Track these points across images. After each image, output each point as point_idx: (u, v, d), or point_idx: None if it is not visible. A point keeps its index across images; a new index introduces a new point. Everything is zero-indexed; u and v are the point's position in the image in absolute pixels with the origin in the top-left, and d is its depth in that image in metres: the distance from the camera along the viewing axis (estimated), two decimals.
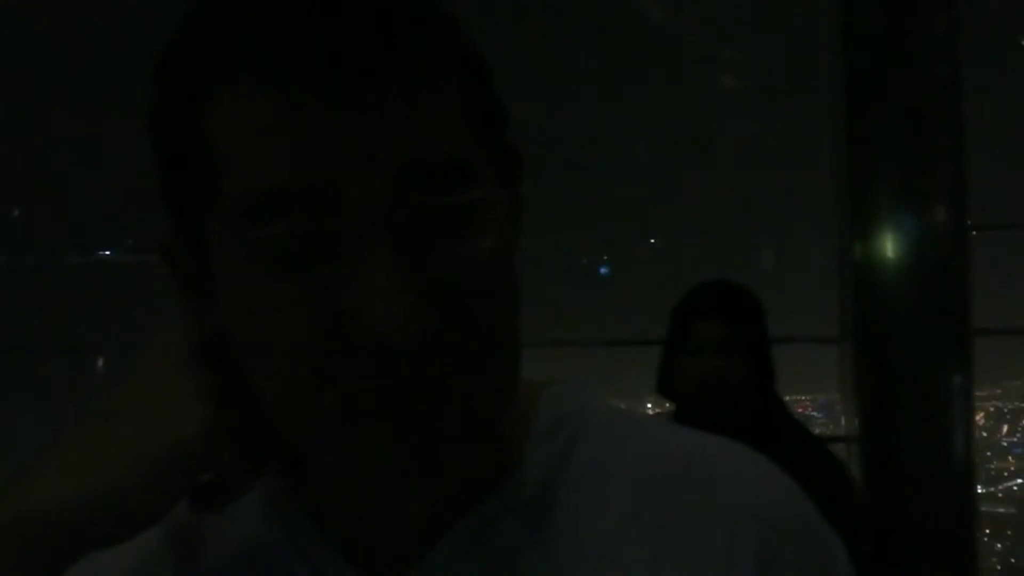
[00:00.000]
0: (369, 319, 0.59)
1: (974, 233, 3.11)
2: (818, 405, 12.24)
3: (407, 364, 0.60)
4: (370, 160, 0.58)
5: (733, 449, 0.79)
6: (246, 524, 0.76)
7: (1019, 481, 18.76)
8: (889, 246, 2.98)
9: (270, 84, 0.59)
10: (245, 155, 0.60)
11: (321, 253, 0.59)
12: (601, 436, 0.78)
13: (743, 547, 0.71)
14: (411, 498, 0.71)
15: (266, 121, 0.59)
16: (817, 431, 3.18)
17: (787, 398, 2.63)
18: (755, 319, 2.50)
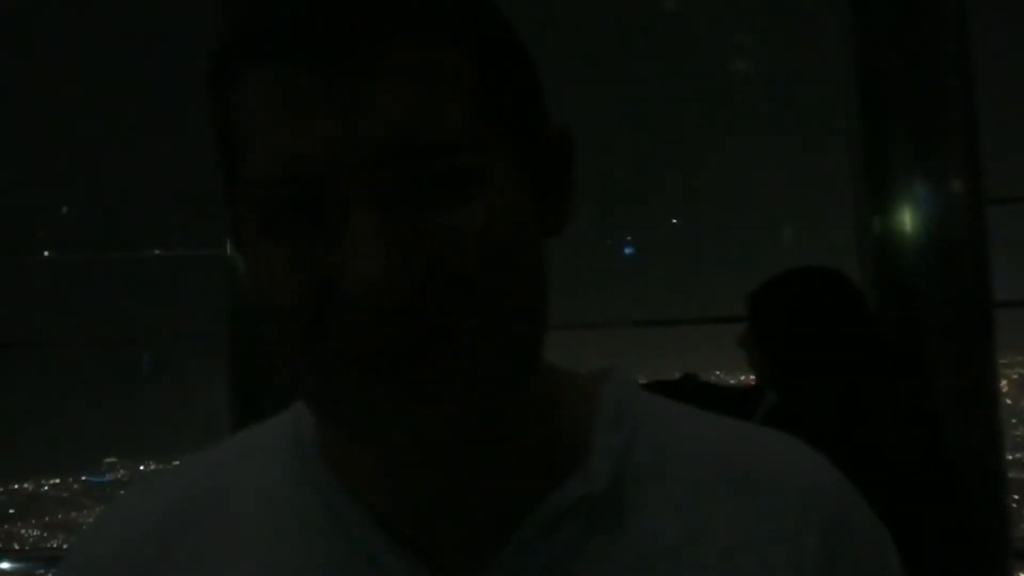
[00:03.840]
0: (349, 275, 0.59)
1: (994, 206, 3.13)
2: None
3: (386, 324, 0.60)
4: (358, 133, 0.59)
5: (784, 440, 0.81)
6: (290, 515, 0.75)
7: None
8: (907, 220, 2.98)
9: (271, 67, 0.61)
10: (248, 144, 0.63)
11: (313, 220, 0.61)
12: (660, 427, 0.78)
13: (810, 536, 0.73)
14: (416, 463, 0.67)
15: (263, 108, 0.62)
16: None
17: None
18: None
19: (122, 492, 0.83)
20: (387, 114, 0.60)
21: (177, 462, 0.85)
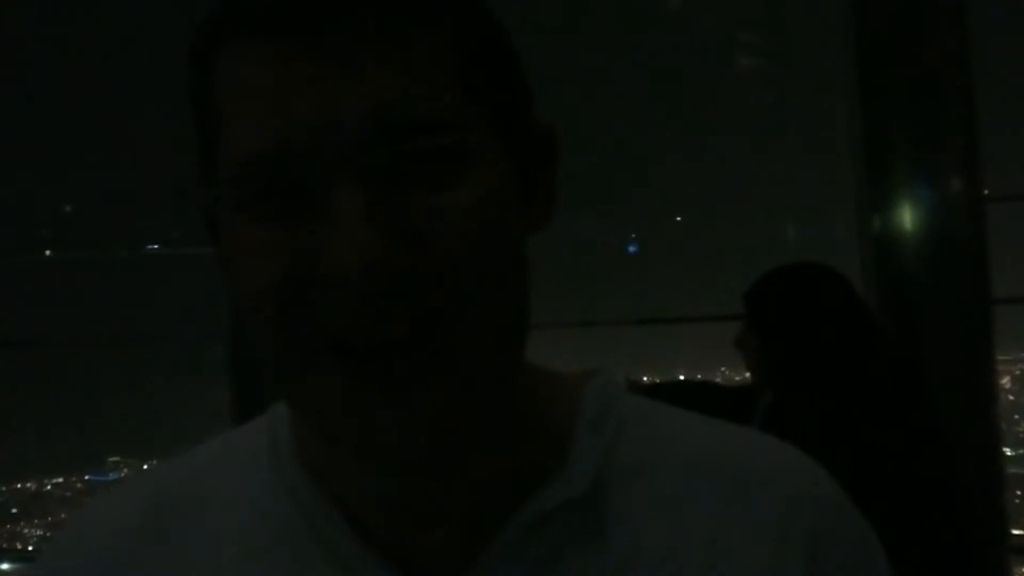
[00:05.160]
0: (333, 257, 0.58)
1: (993, 204, 3.15)
2: None
3: (371, 307, 0.59)
4: (343, 112, 0.59)
5: (772, 444, 0.80)
6: (260, 512, 0.74)
7: None
8: (907, 218, 3.00)
9: (252, 45, 0.61)
10: (230, 124, 0.62)
11: (295, 202, 0.60)
12: (644, 429, 0.77)
13: (795, 543, 0.72)
14: (395, 455, 0.64)
15: (246, 85, 0.61)
16: None
17: None
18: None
19: (92, 497, 0.83)
20: (372, 92, 0.59)
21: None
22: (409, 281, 0.59)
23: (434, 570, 0.70)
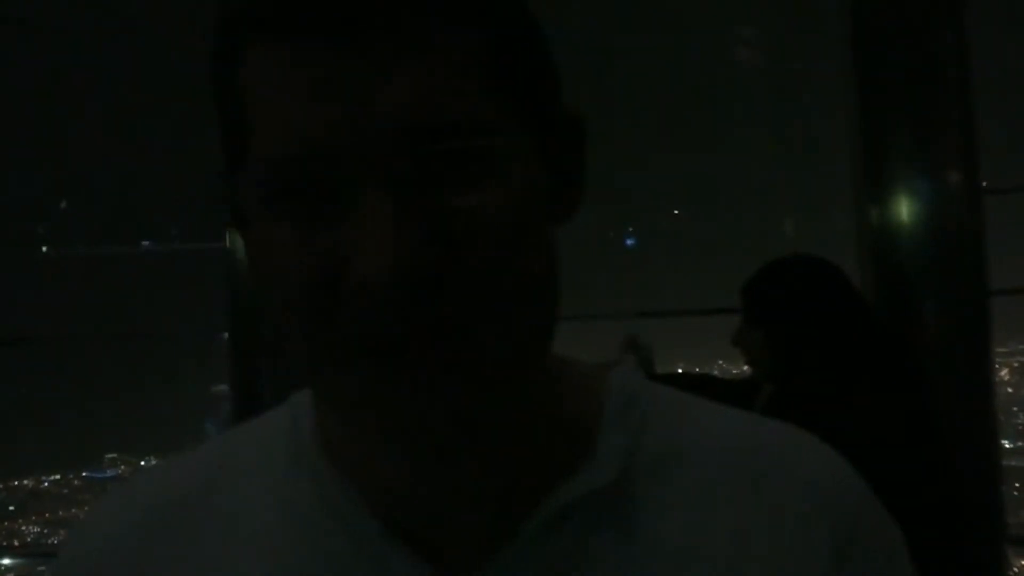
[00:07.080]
0: (361, 259, 0.58)
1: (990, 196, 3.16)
2: None
3: (400, 310, 0.59)
4: (370, 113, 0.58)
5: (796, 434, 0.79)
6: (294, 517, 0.73)
7: None
8: (905, 211, 3.02)
9: (283, 44, 0.60)
10: (257, 123, 0.61)
11: (323, 204, 0.60)
12: (669, 418, 0.77)
13: (820, 532, 0.72)
14: (425, 451, 0.66)
15: (273, 86, 0.60)
16: None
17: None
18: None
19: (112, 487, 0.81)
20: (401, 94, 0.58)
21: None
22: (436, 283, 0.59)
23: (459, 560, 0.70)
